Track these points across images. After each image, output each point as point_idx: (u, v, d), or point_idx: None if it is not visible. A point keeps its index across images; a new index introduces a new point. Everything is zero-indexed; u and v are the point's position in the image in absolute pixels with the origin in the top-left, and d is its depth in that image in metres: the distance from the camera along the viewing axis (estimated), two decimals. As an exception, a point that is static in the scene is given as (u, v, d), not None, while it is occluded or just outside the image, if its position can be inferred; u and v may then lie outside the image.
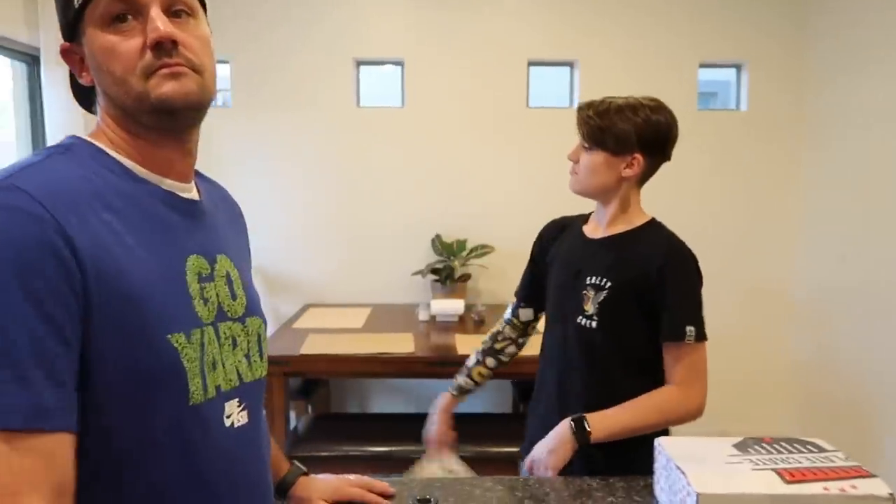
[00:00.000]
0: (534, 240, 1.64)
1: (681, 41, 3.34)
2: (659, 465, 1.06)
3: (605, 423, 1.28)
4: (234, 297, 0.87)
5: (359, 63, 3.39)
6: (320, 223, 3.41)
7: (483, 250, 3.29)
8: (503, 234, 3.40)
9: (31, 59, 2.82)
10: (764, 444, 1.05)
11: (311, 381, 3.15)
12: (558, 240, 1.56)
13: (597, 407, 1.33)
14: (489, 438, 2.56)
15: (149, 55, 0.76)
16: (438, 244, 3.33)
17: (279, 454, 1.08)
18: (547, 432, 1.34)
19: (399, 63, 3.39)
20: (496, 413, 3.37)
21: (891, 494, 0.91)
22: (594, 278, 1.39)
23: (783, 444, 1.05)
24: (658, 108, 1.39)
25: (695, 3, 3.31)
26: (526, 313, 1.67)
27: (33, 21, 2.70)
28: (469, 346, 2.57)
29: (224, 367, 0.83)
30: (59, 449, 0.66)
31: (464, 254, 3.29)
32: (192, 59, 0.79)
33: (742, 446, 1.04)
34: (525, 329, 1.69)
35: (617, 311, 1.35)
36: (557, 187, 3.46)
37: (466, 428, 2.70)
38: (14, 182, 0.69)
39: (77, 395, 0.68)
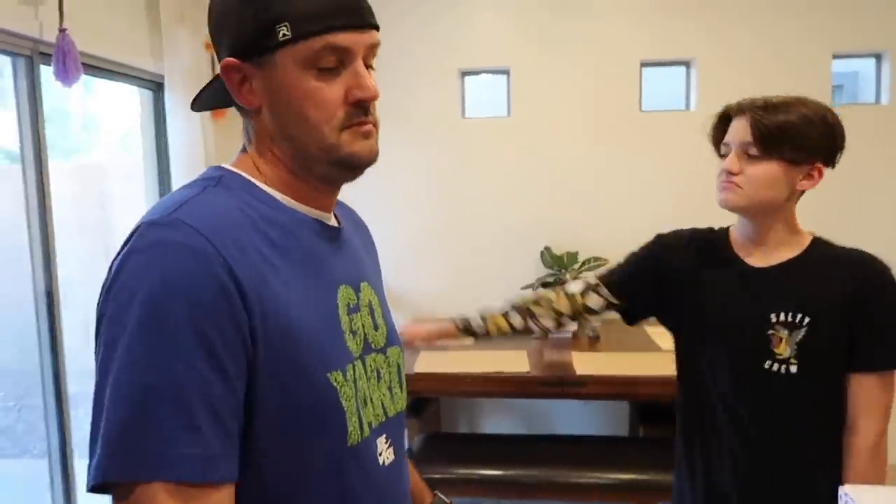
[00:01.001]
0: (653, 239, 1.43)
1: (810, 32, 3.07)
2: (847, 518, 0.91)
3: None
4: (376, 327, 0.84)
5: (463, 73, 3.34)
6: (428, 237, 3.38)
7: (596, 262, 3.14)
8: (616, 244, 3.20)
9: (156, 87, 2.96)
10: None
11: (421, 399, 3.11)
12: (692, 260, 1.33)
13: (791, 464, 1.20)
14: (604, 464, 2.41)
15: (348, 109, 0.74)
16: (548, 256, 3.22)
17: (420, 483, 1.02)
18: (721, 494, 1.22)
19: (504, 72, 3.32)
20: (611, 436, 3.21)
21: None
22: (784, 315, 1.19)
23: None
24: (829, 110, 1.22)
25: (825, -11, 3.04)
26: (597, 300, 1.40)
27: (158, 50, 2.84)
28: (586, 364, 2.45)
29: (372, 402, 0.79)
30: (224, 501, 0.64)
31: (576, 266, 3.15)
32: (376, 117, 0.78)
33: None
34: (580, 313, 1.43)
35: (820, 349, 1.18)
36: (672, 194, 3.30)
37: (579, 451, 2.58)
38: (179, 217, 0.67)
39: (239, 443, 0.66)
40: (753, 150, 1.21)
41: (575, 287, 1.44)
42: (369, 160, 0.77)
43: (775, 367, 1.18)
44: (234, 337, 0.64)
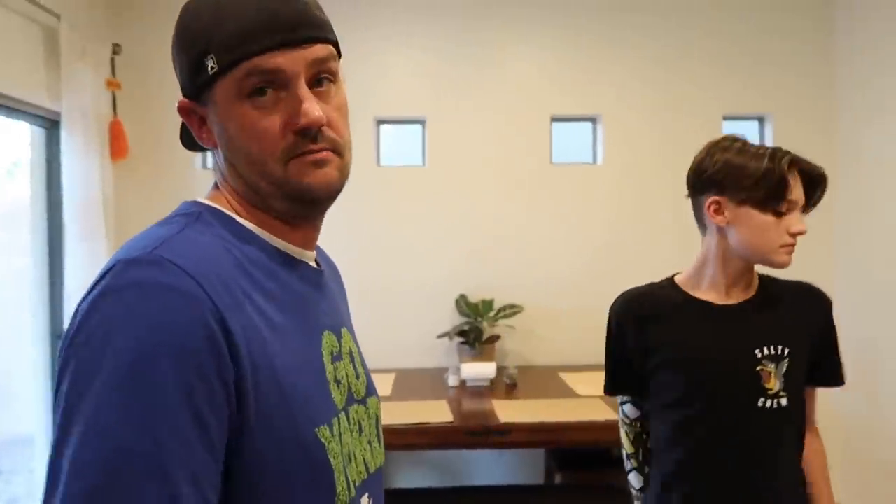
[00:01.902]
0: (613, 324, 1.37)
1: (704, 94, 3.32)
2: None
3: None
4: (357, 375, 0.77)
5: (379, 122, 3.35)
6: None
7: (512, 310, 3.17)
8: (530, 292, 3.29)
9: (50, 124, 2.76)
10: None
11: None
12: (656, 321, 1.28)
13: (793, 487, 1.25)
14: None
15: (291, 138, 0.67)
16: (464, 304, 3.22)
17: None
18: None
19: (420, 121, 3.35)
20: (529, 484, 3.19)
21: None
22: (769, 349, 1.20)
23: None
24: None
25: (717, 57, 3.31)
26: (632, 409, 1.38)
27: (55, 86, 2.66)
28: (508, 412, 2.43)
29: (355, 457, 0.72)
30: None
31: (492, 314, 3.17)
32: (335, 139, 0.69)
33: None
34: (643, 426, 1.39)
35: (798, 379, 1.22)
36: (582, 244, 3.42)
37: (499, 501, 2.55)
38: (163, 255, 0.59)
39: None
40: (806, 208, 1.24)
41: (623, 413, 1.40)
42: (325, 190, 0.69)
43: (768, 403, 1.19)
44: (220, 394, 0.56)
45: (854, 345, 3.30)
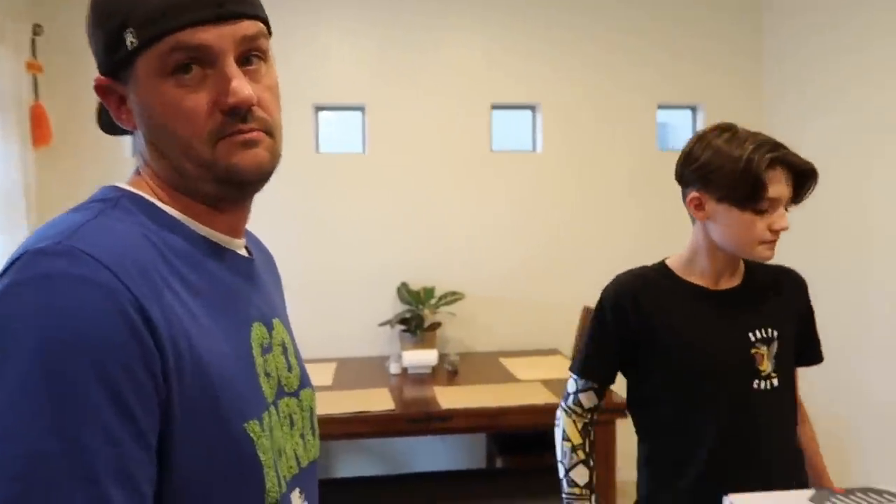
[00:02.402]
0: (603, 307, 1.32)
1: (639, 84, 3.39)
2: (730, 525, 0.96)
3: None
4: (289, 368, 0.74)
5: (318, 108, 3.29)
6: (281, 273, 3.24)
7: (453, 297, 3.18)
8: (471, 279, 3.31)
9: (-37, 107, 2.60)
10: (840, 497, 0.97)
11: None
12: (652, 302, 1.27)
13: (791, 466, 1.27)
14: (467, 497, 2.41)
15: (220, 118, 0.63)
16: (405, 292, 3.21)
17: None
18: None
19: (360, 108, 3.31)
20: (470, 469, 3.23)
21: None
22: (761, 332, 1.22)
23: (859, 493, 0.97)
24: None
25: (652, 48, 3.39)
26: (591, 398, 1.33)
27: (-33, 66, 2.50)
28: (449, 399, 2.44)
29: (285, 452, 0.69)
30: None
31: (433, 301, 3.17)
32: (265, 119, 0.66)
33: (818, 500, 0.96)
34: (599, 410, 1.36)
35: (789, 361, 1.25)
36: (522, 231, 3.45)
37: (442, 487, 2.56)
38: (75, 245, 0.55)
39: None
40: (788, 203, 1.23)
41: (570, 400, 1.35)
42: (256, 171, 0.65)
43: (762, 384, 1.21)
44: (147, 382, 0.53)
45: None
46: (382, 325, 3.18)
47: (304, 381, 0.77)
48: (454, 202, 3.33)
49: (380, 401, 2.42)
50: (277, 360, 0.71)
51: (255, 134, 0.65)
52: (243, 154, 0.64)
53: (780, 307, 1.28)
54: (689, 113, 3.55)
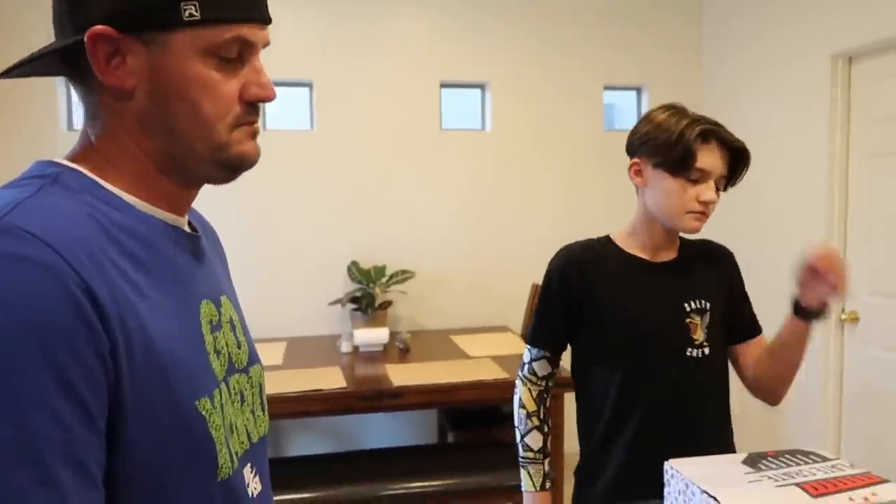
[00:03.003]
0: (549, 277, 1.37)
1: (586, 65, 3.44)
2: (674, 489, 1.01)
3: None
4: (238, 344, 0.74)
5: (264, 84, 3.22)
6: (230, 252, 3.18)
7: (404, 275, 3.19)
8: (421, 258, 3.33)
9: None
10: (770, 458, 1.03)
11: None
12: (596, 272, 1.32)
13: (719, 432, 1.33)
14: (419, 472, 2.44)
15: (244, 107, 0.67)
16: (356, 271, 3.20)
17: None
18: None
19: (308, 84, 3.26)
20: (422, 445, 3.27)
21: (910, 499, 0.91)
22: (695, 303, 1.28)
23: (787, 456, 1.03)
24: None
25: (598, 30, 3.44)
26: (544, 367, 1.39)
27: None
28: (401, 376, 2.46)
29: (237, 428, 0.70)
30: None
31: (384, 280, 3.18)
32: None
33: (752, 462, 1.02)
34: (553, 378, 1.41)
35: (720, 330, 1.30)
36: (471, 208, 3.48)
37: (394, 463, 2.59)
38: (13, 222, 0.53)
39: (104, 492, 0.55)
40: (722, 182, 1.27)
41: (527, 370, 1.39)
42: (255, 162, 0.71)
43: (695, 352, 1.27)
44: (95, 365, 0.53)
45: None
46: (333, 303, 3.17)
47: (253, 358, 0.78)
48: (404, 180, 3.33)
49: (331, 379, 2.42)
50: (227, 337, 0.72)
51: (258, 126, 0.70)
52: (251, 144, 0.69)
53: (712, 280, 1.32)
54: (634, 94, 3.62)
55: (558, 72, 3.42)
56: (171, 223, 0.69)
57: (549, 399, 1.40)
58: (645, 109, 3.56)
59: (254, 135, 0.70)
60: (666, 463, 1.03)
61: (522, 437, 1.38)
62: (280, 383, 2.35)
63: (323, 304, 3.23)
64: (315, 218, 3.27)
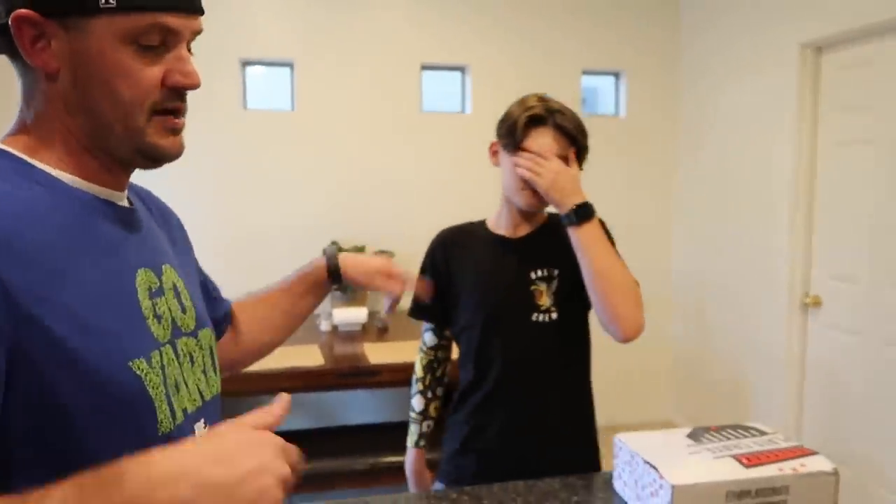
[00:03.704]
0: (427, 255, 1.51)
1: (565, 50, 3.48)
2: (621, 460, 1.09)
3: (597, 227, 1.30)
4: (183, 309, 0.79)
5: (245, 63, 3.23)
6: (207, 234, 3.21)
7: (384, 255, 3.24)
8: (401, 238, 3.37)
9: None
10: (713, 433, 1.10)
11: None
12: (461, 251, 1.46)
13: (573, 397, 1.40)
14: (398, 447, 2.51)
15: (163, 93, 0.70)
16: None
17: (297, 278, 1.06)
18: (510, 437, 1.36)
19: (288, 64, 3.27)
20: (401, 421, 3.34)
21: (835, 469, 0.99)
22: (542, 271, 1.37)
23: (730, 430, 1.11)
24: None
25: (577, 16, 3.47)
26: (431, 337, 1.53)
27: None
28: (378, 355, 2.52)
29: (187, 387, 0.76)
30: None
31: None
32: (187, 106, 0.74)
33: (695, 436, 1.09)
34: (449, 346, 1.56)
35: (569, 295, 1.37)
36: (450, 190, 3.53)
37: (373, 438, 2.67)
38: None
39: None
40: (562, 160, 1.33)
41: (429, 339, 1.53)
42: (174, 156, 0.74)
43: (541, 317, 1.35)
44: None
45: (685, 279, 3.69)
46: (312, 283, 3.22)
47: (202, 322, 0.83)
48: (385, 162, 3.37)
49: (310, 356, 2.48)
50: (170, 303, 0.77)
51: (182, 122, 0.73)
52: (169, 139, 0.73)
53: (564, 249, 1.35)
54: (612, 79, 3.67)
55: (538, 55, 3.46)
56: (102, 197, 0.73)
57: (439, 368, 1.54)
58: (624, 94, 3.62)
59: (174, 130, 0.72)
60: (615, 436, 1.11)
61: (411, 399, 1.55)
62: (259, 361, 2.40)
63: (303, 284, 3.28)
64: (295, 198, 3.30)
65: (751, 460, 0.99)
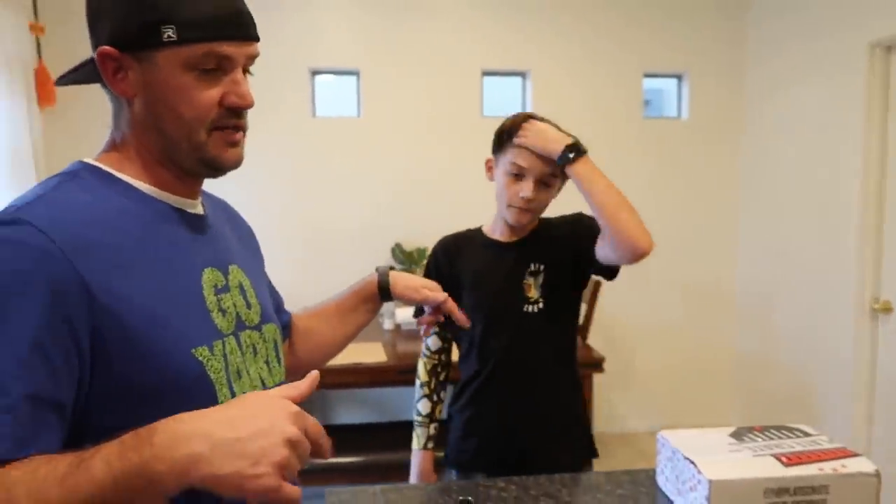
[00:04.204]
0: (429, 260, 1.64)
1: (626, 52, 3.49)
2: (663, 456, 1.13)
3: (589, 161, 1.41)
4: (248, 305, 0.90)
5: (314, 73, 3.39)
6: (279, 234, 3.39)
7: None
8: (461, 240, 3.45)
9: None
10: (756, 432, 1.13)
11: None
12: (461, 255, 1.58)
13: (560, 373, 1.53)
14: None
15: (221, 111, 0.81)
16: (399, 253, 3.36)
17: (350, 293, 1.16)
18: (505, 421, 1.49)
19: (355, 73, 3.41)
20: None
21: (876, 471, 1.01)
22: (532, 266, 1.49)
23: (773, 430, 1.14)
24: None
25: (639, 17, 3.47)
26: (436, 341, 1.61)
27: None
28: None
29: (249, 374, 0.86)
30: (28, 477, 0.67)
31: (425, 261, 3.32)
32: (246, 122, 0.84)
33: (737, 435, 1.12)
34: (450, 350, 1.64)
35: (557, 285, 1.49)
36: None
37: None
38: (20, 215, 0.70)
39: (64, 424, 0.69)
40: (549, 179, 1.45)
41: (431, 344, 1.61)
42: (233, 166, 0.84)
43: (530, 308, 1.48)
44: (65, 336, 0.68)
45: (750, 283, 3.62)
46: (376, 282, 3.34)
47: (266, 317, 0.93)
48: (446, 166, 3.46)
49: (373, 353, 2.59)
50: (235, 299, 0.87)
51: (239, 136, 0.84)
52: (228, 151, 0.83)
53: (551, 246, 1.51)
54: (674, 81, 3.65)
55: (598, 58, 3.48)
56: (175, 204, 0.85)
57: (442, 372, 1.63)
58: (686, 97, 3.59)
59: (233, 143, 0.83)
60: (658, 434, 1.15)
61: (415, 403, 1.61)
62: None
63: (367, 283, 3.40)
64: (361, 201, 3.43)
65: (791, 459, 1.02)
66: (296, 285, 3.52)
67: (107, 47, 0.78)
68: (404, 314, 3.03)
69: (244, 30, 0.81)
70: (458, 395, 1.57)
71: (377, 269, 1.16)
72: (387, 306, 3.37)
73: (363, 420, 3.45)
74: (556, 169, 1.42)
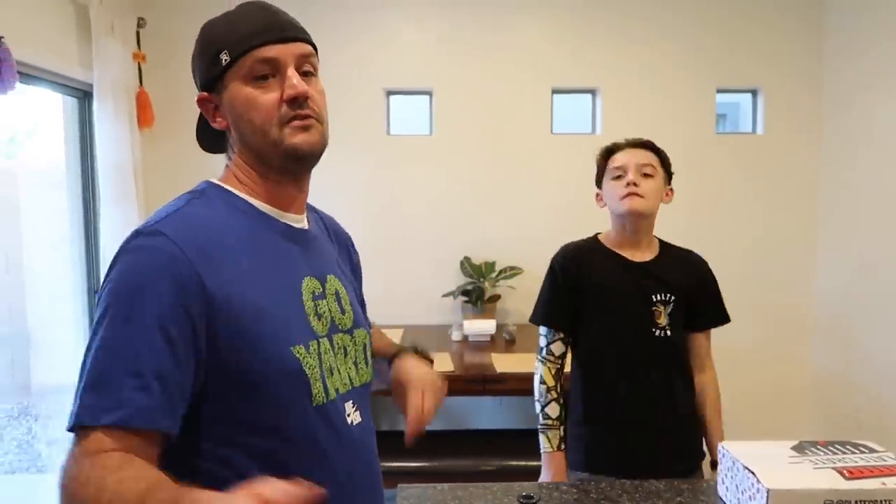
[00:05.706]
0: (552, 268, 1.73)
1: (698, 68, 3.47)
2: (724, 466, 1.16)
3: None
4: (343, 311, 1.00)
5: (388, 93, 3.53)
6: (357, 248, 3.52)
7: (512, 272, 3.39)
8: (530, 255, 3.50)
9: (83, 94, 2.96)
10: (819, 447, 1.14)
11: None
12: (587, 266, 1.67)
13: (681, 394, 1.64)
14: (520, 452, 2.64)
15: (285, 107, 0.91)
16: (468, 266, 3.44)
17: (388, 345, 1.22)
18: (633, 431, 1.59)
19: (428, 92, 3.53)
20: (524, 428, 3.45)
21: (942, 488, 1.01)
22: (661, 295, 1.62)
23: (837, 445, 1.15)
24: None
25: (711, 32, 3.45)
26: (559, 346, 1.71)
27: (87, 59, 2.85)
28: (504, 364, 2.67)
29: (339, 372, 0.96)
30: (154, 447, 0.80)
31: (493, 275, 3.40)
32: (318, 111, 0.94)
33: (799, 448, 1.14)
34: (566, 358, 1.73)
35: (679, 318, 1.63)
36: (577, 209, 3.60)
37: (498, 443, 2.81)
38: (158, 227, 0.85)
39: (183, 404, 0.82)
40: (649, 168, 1.60)
41: (546, 352, 1.72)
42: (311, 148, 0.92)
43: (658, 332, 1.61)
44: (186, 322, 0.81)
45: (829, 298, 3.51)
46: (446, 295, 3.43)
47: (358, 323, 1.04)
48: (515, 182, 3.52)
49: (442, 363, 2.67)
50: (330, 305, 0.98)
51: (309, 121, 0.93)
52: (301, 135, 0.91)
53: (679, 279, 1.64)
54: (749, 96, 3.59)
55: (670, 74, 3.47)
56: (280, 219, 0.97)
57: (562, 376, 1.72)
58: (761, 111, 3.53)
59: (304, 128, 0.91)
60: (719, 444, 1.18)
61: (543, 407, 1.68)
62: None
63: (437, 296, 3.50)
64: (432, 216, 3.53)
65: (853, 473, 1.03)
66: (371, 296, 3.66)
67: (202, 93, 0.95)
68: (472, 326, 3.10)
69: (283, 32, 0.91)
70: (573, 407, 1.67)
71: (406, 341, 1.23)
72: (455, 318, 3.45)
73: (430, 428, 3.53)
74: (653, 159, 1.60)
